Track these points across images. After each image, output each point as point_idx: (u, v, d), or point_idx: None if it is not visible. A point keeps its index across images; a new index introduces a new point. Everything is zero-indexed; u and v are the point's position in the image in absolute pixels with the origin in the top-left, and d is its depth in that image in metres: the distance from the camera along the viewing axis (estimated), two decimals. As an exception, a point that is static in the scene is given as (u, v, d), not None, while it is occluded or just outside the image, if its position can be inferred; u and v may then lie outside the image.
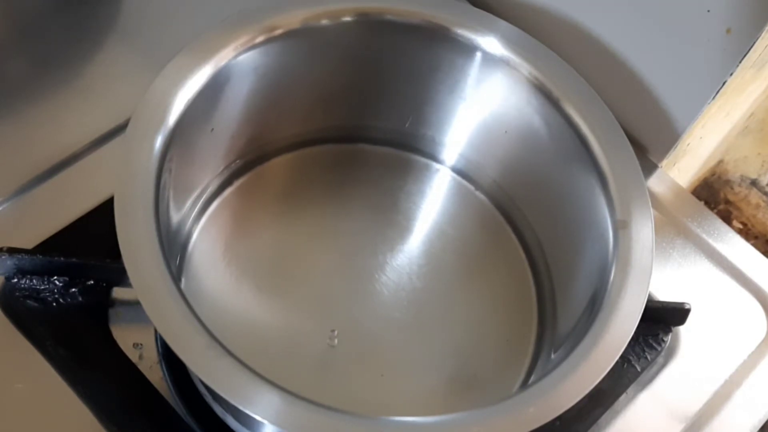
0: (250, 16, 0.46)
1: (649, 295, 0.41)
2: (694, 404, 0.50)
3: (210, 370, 0.36)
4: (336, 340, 0.48)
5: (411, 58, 0.50)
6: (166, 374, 0.46)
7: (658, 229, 0.52)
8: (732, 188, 0.69)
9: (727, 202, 0.69)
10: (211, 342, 0.37)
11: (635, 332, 0.40)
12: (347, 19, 0.48)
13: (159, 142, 0.42)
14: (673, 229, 0.55)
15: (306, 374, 0.47)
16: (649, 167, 0.56)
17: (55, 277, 0.47)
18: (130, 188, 0.40)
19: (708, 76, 0.49)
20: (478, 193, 0.54)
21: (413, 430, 0.37)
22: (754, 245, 0.56)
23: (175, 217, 0.47)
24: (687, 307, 0.51)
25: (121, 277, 0.47)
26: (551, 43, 0.49)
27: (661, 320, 0.52)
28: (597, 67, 0.52)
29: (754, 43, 0.46)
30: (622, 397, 0.50)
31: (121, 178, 0.40)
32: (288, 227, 0.52)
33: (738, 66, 0.48)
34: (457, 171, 0.55)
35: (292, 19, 0.47)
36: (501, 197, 0.54)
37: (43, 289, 0.47)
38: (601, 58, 0.54)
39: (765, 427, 0.51)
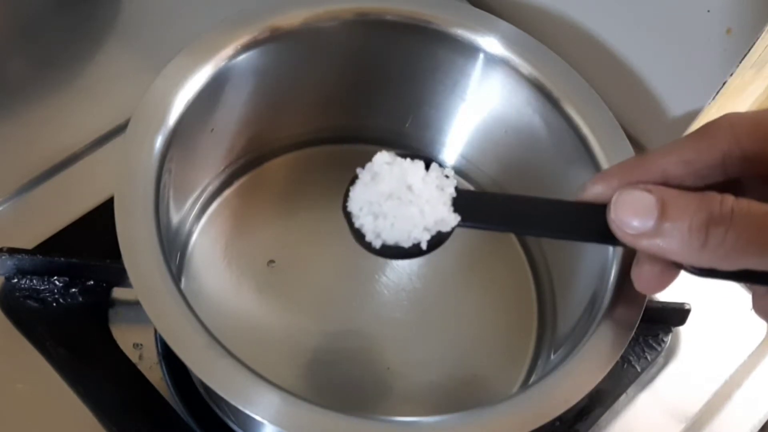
0: (250, 16, 0.46)
1: (649, 295, 0.41)
2: (694, 404, 0.50)
3: (210, 370, 0.36)
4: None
5: (411, 58, 0.50)
6: (166, 374, 0.46)
7: (658, 229, 0.52)
8: (732, 188, 0.69)
9: (727, 202, 0.69)
10: (211, 342, 0.37)
11: (635, 332, 0.40)
12: (347, 19, 0.48)
13: (159, 142, 0.42)
14: (673, 229, 0.55)
15: (306, 374, 0.47)
16: (649, 167, 0.56)
17: (55, 277, 0.47)
18: (130, 188, 0.40)
19: (708, 76, 0.49)
20: (478, 193, 0.54)
21: (413, 430, 0.37)
22: (754, 245, 0.55)
23: (175, 217, 0.47)
24: (687, 307, 0.51)
25: (121, 277, 0.47)
26: (551, 43, 0.49)
27: (661, 320, 0.52)
28: (597, 67, 0.52)
29: (754, 43, 0.46)
30: (622, 397, 0.50)
31: (121, 178, 0.40)
32: (288, 227, 0.52)
33: (738, 66, 0.48)
34: (457, 171, 0.55)
35: (292, 19, 0.47)
36: (501, 197, 0.54)
37: (43, 289, 0.47)
38: (601, 58, 0.54)
39: (765, 427, 0.51)
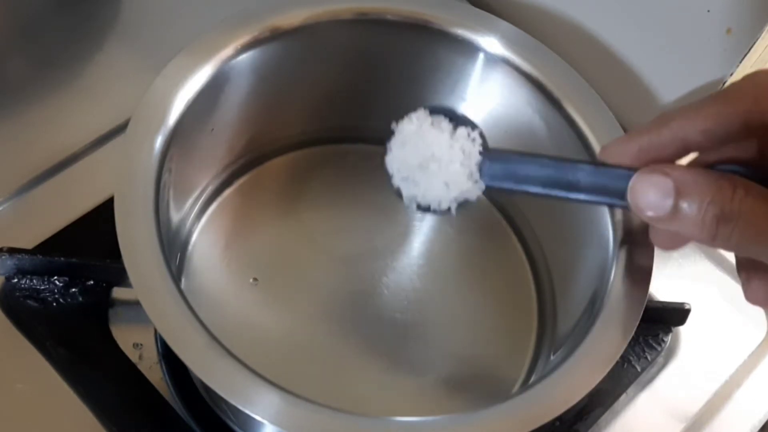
0: (250, 16, 0.46)
1: (649, 295, 0.41)
2: (694, 404, 0.50)
3: (210, 370, 0.36)
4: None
5: (411, 58, 0.50)
6: (166, 374, 0.46)
7: (658, 229, 0.52)
8: (732, 188, 0.69)
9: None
10: (211, 342, 0.37)
11: (635, 332, 0.40)
12: (347, 19, 0.48)
13: (159, 142, 0.42)
14: (673, 229, 0.55)
15: (306, 374, 0.47)
16: (649, 167, 0.56)
17: (55, 277, 0.47)
18: (130, 188, 0.40)
19: (708, 76, 0.49)
20: (478, 193, 0.54)
21: (413, 430, 0.37)
22: (754, 245, 0.55)
23: (175, 217, 0.47)
24: (687, 307, 0.51)
25: (121, 277, 0.47)
26: (551, 43, 0.49)
27: (661, 320, 0.52)
28: (597, 67, 0.53)
29: (754, 43, 0.46)
30: (622, 397, 0.50)
31: (121, 178, 0.40)
32: (288, 227, 0.52)
33: (738, 66, 0.48)
34: (457, 171, 0.55)
35: (292, 19, 0.47)
36: (501, 197, 0.54)
37: (43, 289, 0.47)
38: (601, 59, 0.54)
39: (765, 427, 0.51)
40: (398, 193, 0.40)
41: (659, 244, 0.39)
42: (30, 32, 0.57)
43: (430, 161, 0.38)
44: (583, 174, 0.37)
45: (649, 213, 0.33)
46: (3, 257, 0.46)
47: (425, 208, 0.39)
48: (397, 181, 0.39)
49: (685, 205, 0.32)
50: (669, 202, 0.33)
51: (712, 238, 0.32)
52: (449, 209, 0.39)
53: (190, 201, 0.49)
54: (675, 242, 0.38)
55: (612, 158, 0.36)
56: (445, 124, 0.39)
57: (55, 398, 0.44)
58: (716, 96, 0.35)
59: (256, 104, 0.49)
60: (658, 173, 0.33)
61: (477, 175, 0.38)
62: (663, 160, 0.35)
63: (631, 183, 0.35)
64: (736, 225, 0.32)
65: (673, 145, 0.35)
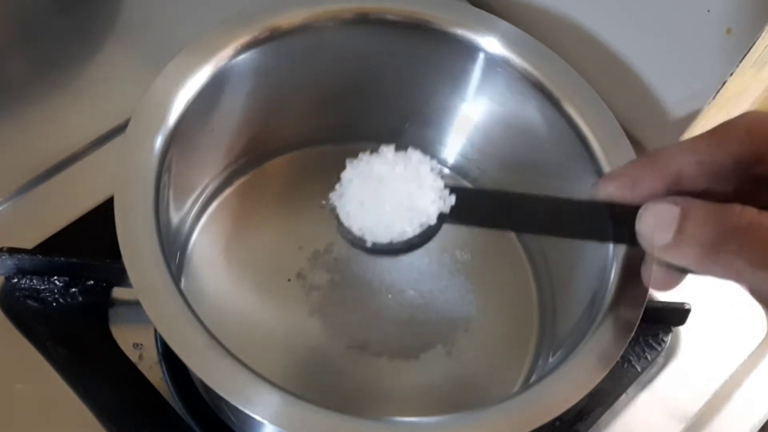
0: (250, 16, 0.46)
1: (649, 295, 0.41)
2: (694, 404, 0.50)
3: (210, 370, 0.36)
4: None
5: (411, 58, 0.50)
6: (166, 374, 0.46)
7: (658, 229, 0.52)
8: (732, 188, 0.69)
9: (727, 202, 0.69)
10: (211, 342, 0.37)
11: (635, 332, 0.40)
12: (347, 19, 0.48)
13: (159, 142, 0.42)
14: (673, 229, 0.55)
15: (306, 374, 0.47)
16: (649, 167, 0.56)
17: (55, 277, 0.47)
18: (130, 188, 0.40)
19: (708, 76, 0.49)
20: (478, 193, 0.54)
21: (413, 430, 0.37)
22: (754, 245, 0.55)
23: (175, 217, 0.47)
24: (687, 307, 0.51)
25: (121, 277, 0.47)
26: (551, 43, 0.49)
27: (661, 320, 0.52)
28: (597, 67, 0.52)
29: (754, 43, 0.46)
30: (622, 397, 0.50)
31: (121, 178, 0.40)
32: (288, 227, 0.52)
33: (738, 66, 0.48)
34: (458, 170, 0.55)
35: (292, 19, 0.47)
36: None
37: (43, 289, 0.47)
38: (601, 58, 0.54)
39: (765, 427, 0.51)
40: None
41: (654, 281, 0.38)
42: (30, 32, 0.57)
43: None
44: (562, 211, 0.37)
45: (659, 237, 0.33)
46: (3, 257, 0.46)
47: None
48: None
49: (686, 236, 0.32)
50: (672, 229, 0.33)
51: (713, 265, 0.32)
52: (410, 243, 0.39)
53: (190, 201, 0.49)
54: (671, 278, 0.37)
55: (606, 195, 0.36)
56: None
57: (55, 398, 0.44)
58: (710, 132, 0.35)
59: (256, 104, 0.49)
60: (668, 202, 0.33)
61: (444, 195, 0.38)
62: (656, 195, 0.35)
63: (641, 211, 0.34)
64: (738, 254, 0.32)
65: (666, 179, 0.35)
